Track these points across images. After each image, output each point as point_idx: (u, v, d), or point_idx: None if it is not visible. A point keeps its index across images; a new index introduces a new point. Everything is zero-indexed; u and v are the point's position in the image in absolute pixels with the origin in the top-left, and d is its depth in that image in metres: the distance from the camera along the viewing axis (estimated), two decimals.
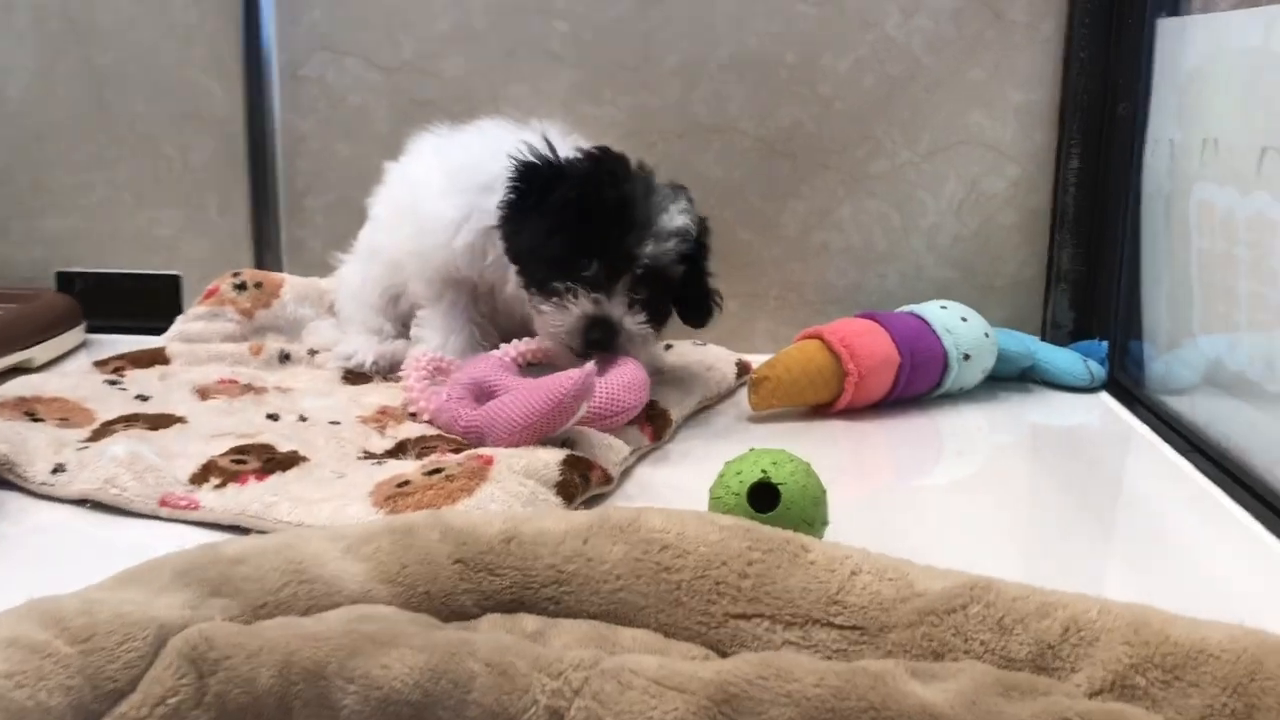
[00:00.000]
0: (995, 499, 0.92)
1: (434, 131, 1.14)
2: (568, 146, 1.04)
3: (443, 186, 1.05)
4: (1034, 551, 0.83)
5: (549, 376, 0.89)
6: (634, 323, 0.98)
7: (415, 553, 0.60)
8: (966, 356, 1.11)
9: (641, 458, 0.95)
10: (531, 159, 1.00)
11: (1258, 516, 0.84)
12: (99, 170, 1.36)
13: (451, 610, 0.59)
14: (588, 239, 0.97)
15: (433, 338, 1.09)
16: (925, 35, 1.25)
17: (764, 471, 0.71)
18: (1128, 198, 1.19)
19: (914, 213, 1.29)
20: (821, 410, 1.08)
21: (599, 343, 0.97)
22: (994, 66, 1.25)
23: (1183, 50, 1.08)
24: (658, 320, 1.02)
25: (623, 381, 0.93)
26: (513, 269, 1.02)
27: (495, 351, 1.00)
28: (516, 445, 0.87)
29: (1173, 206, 1.09)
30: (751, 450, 0.74)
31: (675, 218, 0.98)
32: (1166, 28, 1.13)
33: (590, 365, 0.88)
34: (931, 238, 1.29)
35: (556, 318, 0.98)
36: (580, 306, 0.97)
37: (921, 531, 0.84)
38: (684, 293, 1.03)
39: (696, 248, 1.01)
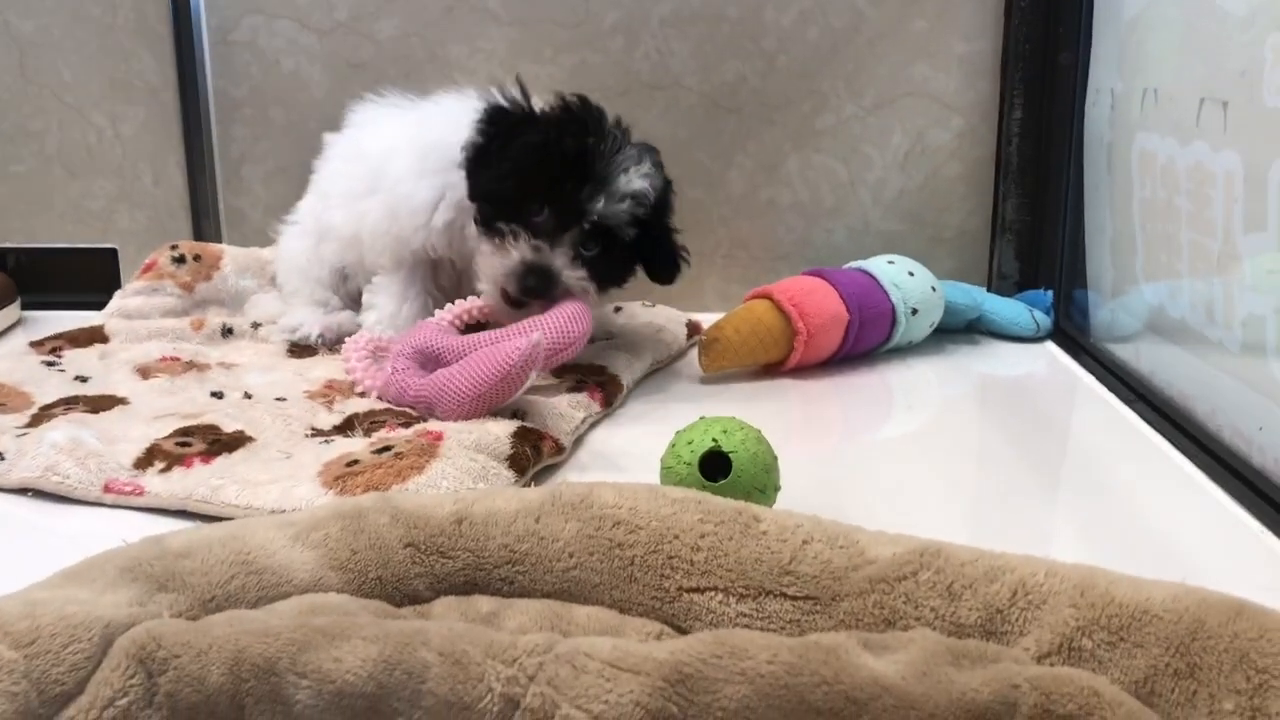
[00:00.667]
0: (945, 453, 0.93)
1: (379, 102, 1.11)
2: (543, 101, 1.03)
3: (415, 168, 1.03)
4: (983, 506, 0.84)
5: (496, 346, 0.88)
6: (574, 276, 0.97)
7: (365, 538, 0.60)
8: (914, 311, 1.11)
9: (593, 424, 0.95)
10: (502, 102, 0.99)
11: (1200, 465, 0.85)
12: (26, 142, 1.33)
13: (404, 595, 0.59)
14: (541, 185, 0.96)
15: (386, 304, 1.08)
16: None
17: (715, 440, 0.71)
18: (1070, 147, 1.20)
19: (860, 166, 1.29)
20: (772, 369, 1.09)
21: (534, 290, 0.96)
22: (936, 17, 1.24)
23: None
24: (607, 280, 1.01)
25: (566, 313, 0.93)
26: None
27: (432, 318, 0.99)
28: (466, 417, 0.86)
29: (1115, 156, 1.10)
30: (702, 419, 0.74)
31: (634, 180, 0.97)
32: None
33: (537, 335, 0.87)
34: (878, 191, 1.29)
35: (495, 260, 0.97)
36: (520, 251, 0.96)
37: (873, 489, 0.85)
38: (648, 252, 1.02)
39: (657, 209, 1.00)
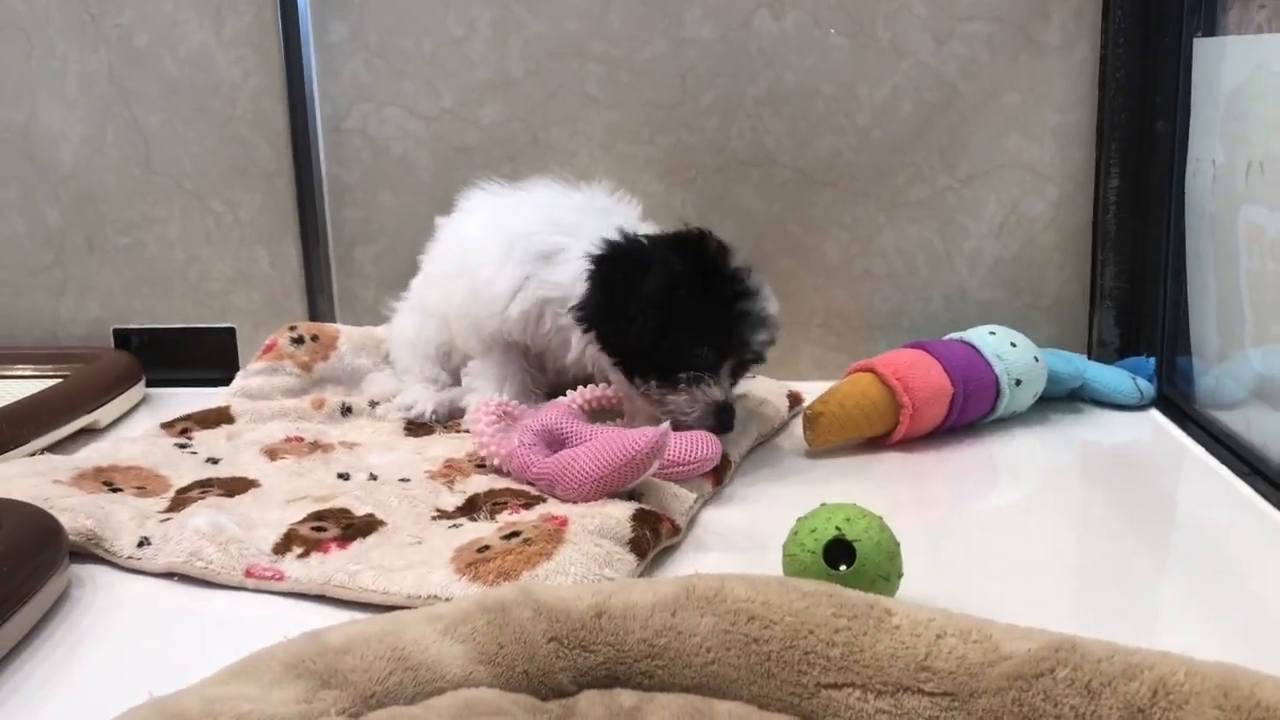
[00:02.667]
0: (1053, 527, 0.94)
1: (485, 188, 1.15)
2: (631, 217, 1.08)
3: (498, 256, 1.07)
4: (1094, 584, 0.84)
5: (624, 431, 0.91)
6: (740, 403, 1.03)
7: (511, 632, 0.62)
8: (1018, 382, 1.12)
9: (705, 503, 0.97)
10: (610, 252, 1.01)
11: None
12: (150, 228, 1.40)
13: (550, 688, 0.61)
14: (704, 331, 0.99)
15: (485, 388, 1.11)
16: (960, 61, 1.26)
17: (838, 529, 0.72)
18: (1169, 215, 1.20)
19: (956, 236, 1.30)
20: (877, 442, 1.10)
21: (724, 425, 1.01)
22: (1029, 89, 1.26)
23: (1221, 71, 1.09)
24: None
25: (698, 437, 0.96)
26: (577, 341, 1.05)
27: (563, 399, 1.02)
28: (587, 499, 0.89)
29: (1218, 226, 1.10)
30: (823, 506, 0.75)
31: (771, 303, 1.02)
32: (1203, 48, 1.13)
33: (665, 425, 0.90)
34: (974, 260, 1.31)
35: (687, 406, 1.00)
36: (710, 395, 1.00)
37: (984, 566, 0.86)
38: None
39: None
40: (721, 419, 1.01)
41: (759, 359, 1.04)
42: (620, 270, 1.00)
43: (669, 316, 0.98)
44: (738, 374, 1.04)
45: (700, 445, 0.95)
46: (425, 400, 1.18)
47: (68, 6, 1.35)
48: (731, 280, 1.00)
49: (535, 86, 1.31)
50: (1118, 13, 1.21)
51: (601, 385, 1.03)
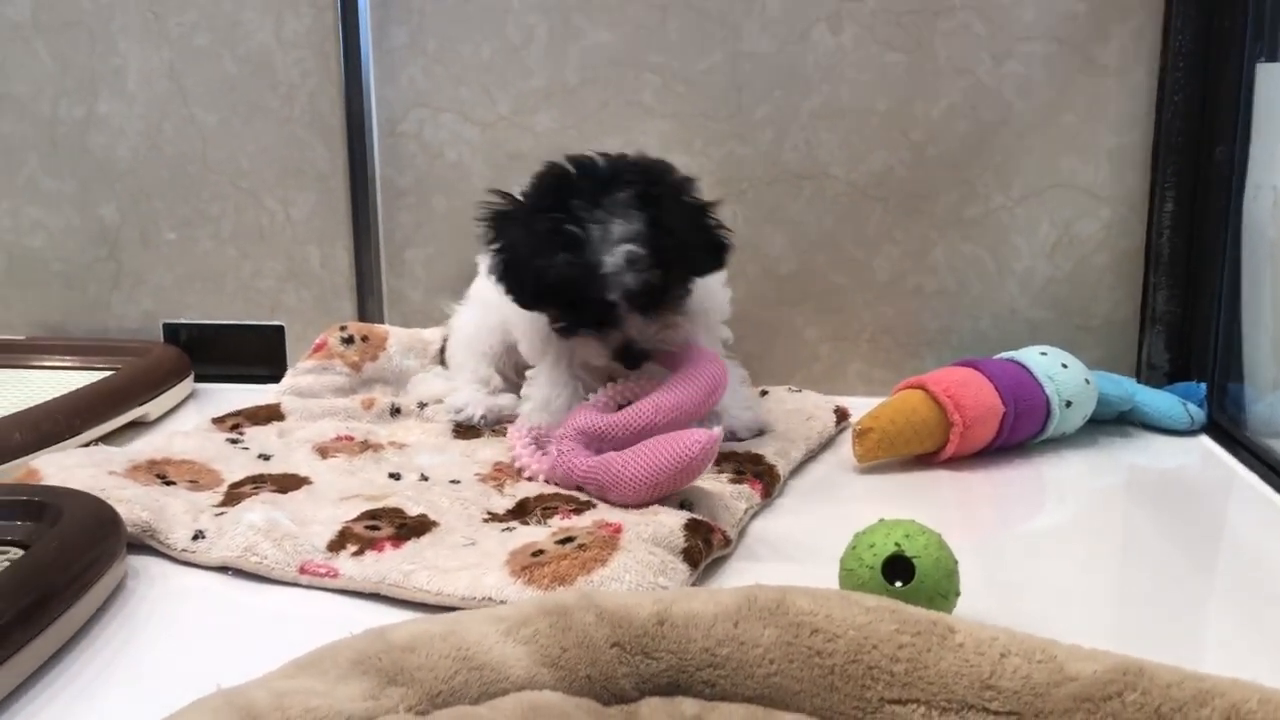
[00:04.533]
0: (1098, 551, 0.93)
1: None
2: None
3: None
4: (1139, 607, 0.83)
5: (675, 435, 0.91)
6: (653, 336, 1.01)
7: (573, 636, 0.63)
8: (1068, 404, 1.11)
9: (754, 515, 0.97)
10: (491, 215, 1.04)
11: None
12: (204, 225, 1.41)
13: (612, 694, 0.62)
14: (561, 290, 0.99)
15: (538, 393, 1.10)
16: (1017, 81, 1.26)
17: (897, 545, 0.72)
18: (1225, 241, 1.19)
19: (1007, 256, 1.30)
20: (925, 459, 1.09)
21: (630, 363, 1.01)
22: (1086, 110, 1.25)
23: None
24: (672, 301, 1.02)
25: (704, 381, 0.98)
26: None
27: (590, 399, 1.02)
28: (640, 504, 0.90)
29: (1278, 253, 1.09)
30: (881, 521, 0.75)
31: (618, 250, 0.96)
32: (1266, 73, 1.13)
33: (718, 430, 0.90)
34: (1025, 280, 1.30)
35: (592, 348, 1.03)
36: (604, 349, 1.01)
37: (1029, 584, 0.85)
38: (685, 252, 1.01)
39: (665, 228, 0.98)
40: (626, 359, 1.01)
41: (645, 294, 0.98)
42: (497, 233, 1.03)
43: (537, 281, 0.99)
44: (647, 311, 1.00)
45: (705, 391, 0.98)
46: (476, 404, 1.18)
47: (132, 5, 1.36)
48: (569, 269, 0.96)
49: (590, 95, 1.32)
50: (1179, 36, 1.20)
51: (621, 381, 1.03)
